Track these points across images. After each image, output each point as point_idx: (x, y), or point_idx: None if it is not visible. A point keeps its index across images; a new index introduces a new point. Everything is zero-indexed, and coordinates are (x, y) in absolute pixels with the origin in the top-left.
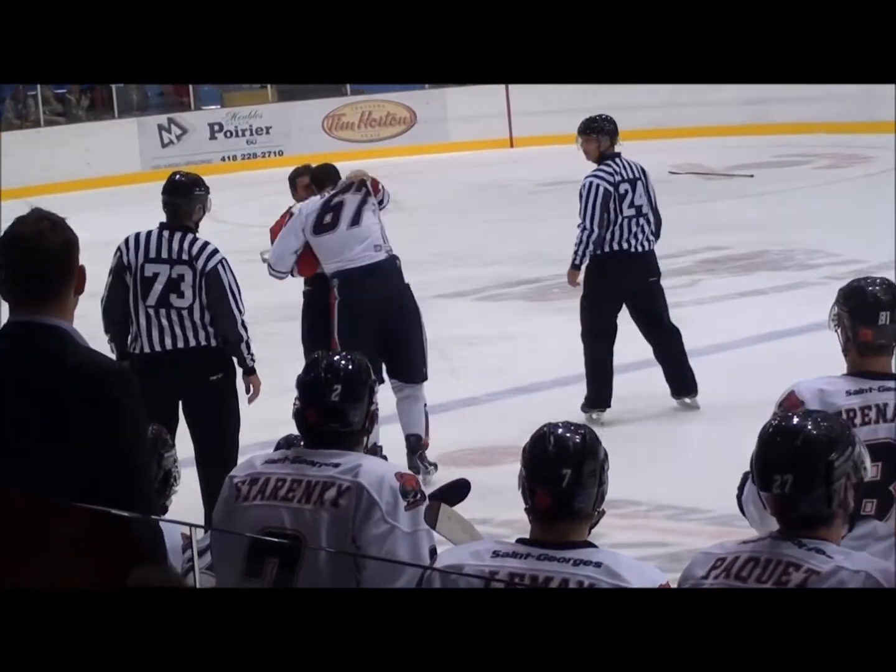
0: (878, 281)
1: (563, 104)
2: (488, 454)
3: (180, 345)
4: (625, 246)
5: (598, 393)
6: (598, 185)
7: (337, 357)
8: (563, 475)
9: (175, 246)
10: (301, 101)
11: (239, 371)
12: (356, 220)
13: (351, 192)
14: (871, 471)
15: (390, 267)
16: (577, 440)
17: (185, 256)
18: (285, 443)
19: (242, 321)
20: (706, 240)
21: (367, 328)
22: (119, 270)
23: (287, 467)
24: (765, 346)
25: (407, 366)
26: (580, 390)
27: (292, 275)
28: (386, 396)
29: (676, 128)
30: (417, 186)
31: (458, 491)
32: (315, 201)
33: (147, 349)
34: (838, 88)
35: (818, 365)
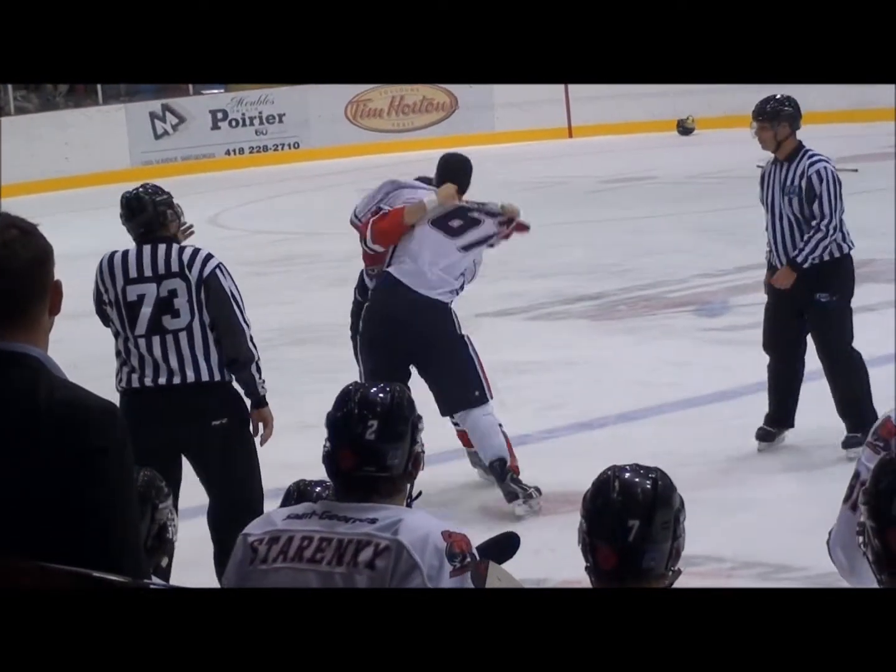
0: None
1: (631, 88)
2: (543, 502)
3: (176, 380)
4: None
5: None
6: (835, 172)
7: (374, 389)
8: (629, 528)
9: (161, 259)
10: (319, 85)
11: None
12: (468, 248)
13: (494, 222)
14: None
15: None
16: (648, 486)
17: (174, 268)
18: (296, 491)
19: (251, 336)
20: None
21: (384, 344)
22: (97, 298)
23: (314, 524)
24: (872, 372)
25: (448, 396)
26: (651, 427)
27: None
28: None
29: None
30: None
31: (506, 546)
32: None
33: (137, 384)
34: None
35: None
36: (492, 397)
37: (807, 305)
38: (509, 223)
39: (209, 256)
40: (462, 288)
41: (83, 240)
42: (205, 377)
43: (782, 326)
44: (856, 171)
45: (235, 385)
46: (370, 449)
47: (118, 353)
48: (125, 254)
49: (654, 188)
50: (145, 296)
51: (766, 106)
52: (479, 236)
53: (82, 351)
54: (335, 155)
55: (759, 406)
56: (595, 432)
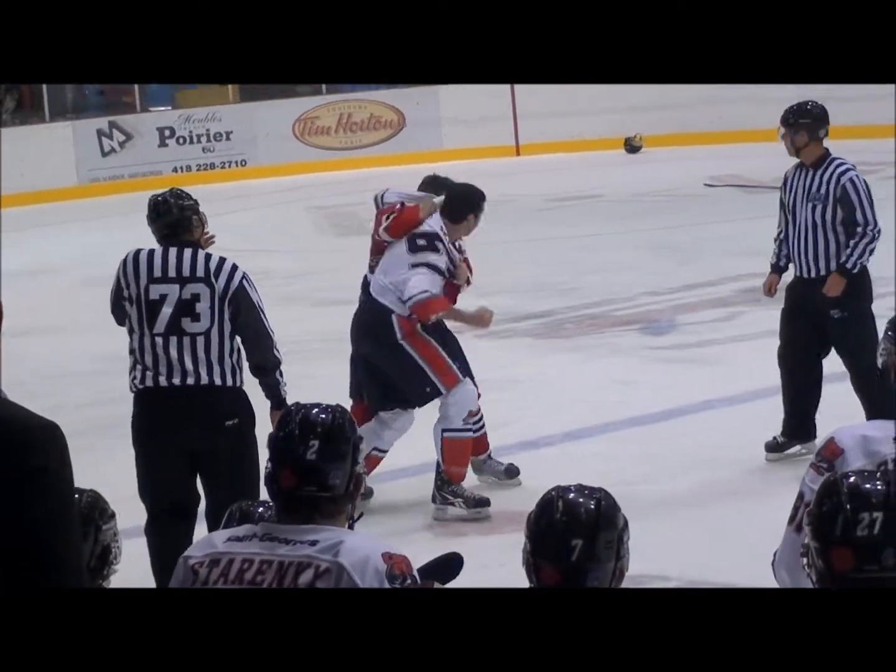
0: None
1: (579, 105)
2: (487, 522)
3: (190, 381)
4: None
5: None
6: (865, 179)
7: (315, 409)
8: (573, 548)
9: (186, 262)
10: (267, 102)
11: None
12: (415, 266)
13: (445, 265)
14: None
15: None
16: (591, 506)
17: (200, 273)
18: (238, 512)
19: (275, 342)
20: (748, 265)
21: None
22: (117, 293)
23: (255, 546)
24: (827, 388)
25: (394, 392)
26: (599, 445)
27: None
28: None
29: (713, 132)
30: None
31: (450, 567)
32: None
33: (150, 383)
34: None
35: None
36: (453, 384)
37: (825, 320)
38: (454, 278)
39: (235, 267)
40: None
41: (29, 256)
42: (217, 381)
43: (795, 332)
44: None
45: (244, 389)
46: (311, 469)
47: (132, 352)
48: (151, 252)
49: (602, 206)
50: (167, 296)
51: (788, 113)
52: (429, 260)
53: (30, 368)
54: (283, 172)
55: (706, 424)
56: (541, 451)
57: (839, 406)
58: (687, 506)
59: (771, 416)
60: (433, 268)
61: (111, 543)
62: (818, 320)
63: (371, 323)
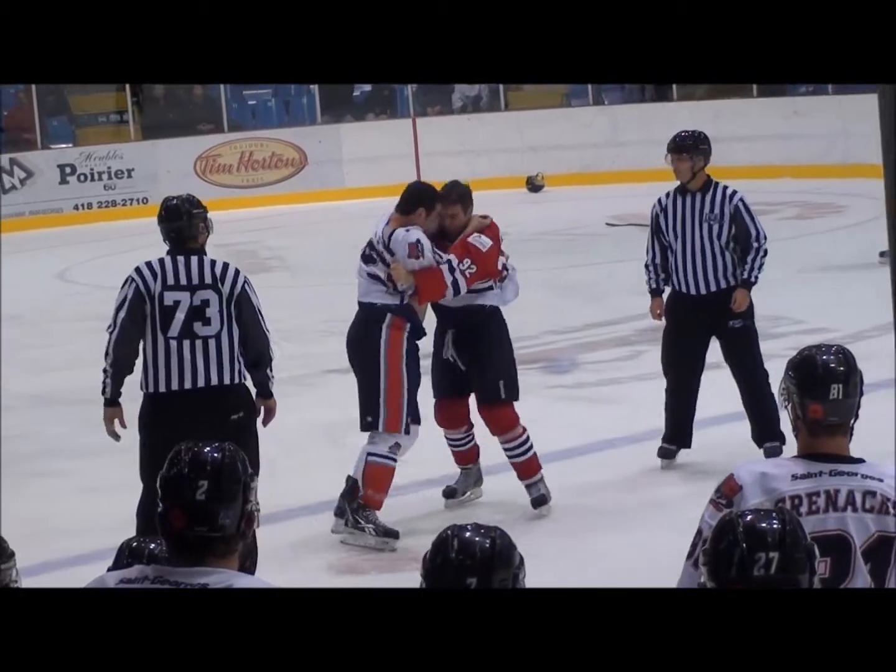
0: (832, 349)
1: (479, 143)
2: (390, 559)
3: (201, 383)
4: None
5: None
6: None
7: (206, 448)
8: (467, 586)
9: (194, 270)
10: (168, 140)
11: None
12: (360, 274)
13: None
14: (818, 568)
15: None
16: (486, 545)
17: (208, 280)
18: (128, 549)
19: (270, 342)
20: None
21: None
22: (136, 301)
23: (145, 588)
24: (718, 430)
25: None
26: (502, 483)
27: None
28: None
29: (614, 171)
30: (307, 241)
31: None
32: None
33: (163, 388)
34: (806, 125)
35: (787, 451)
36: (392, 430)
37: (719, 331)
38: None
39: (238, 272)
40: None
41: None
42: (227, 381)
43: (683, 349)
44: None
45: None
46: (201, 509)
47: (146, 356)
48: (161, 262)
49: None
50: (180, 303)
51: (686, 139)
52: (374, 272)
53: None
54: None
55: (611, 462)
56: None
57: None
58: (589, 543)
59: (683, 454)
60: (372, 277)
61: (10, 583)
62: (702, 338)
63: (361, 331)
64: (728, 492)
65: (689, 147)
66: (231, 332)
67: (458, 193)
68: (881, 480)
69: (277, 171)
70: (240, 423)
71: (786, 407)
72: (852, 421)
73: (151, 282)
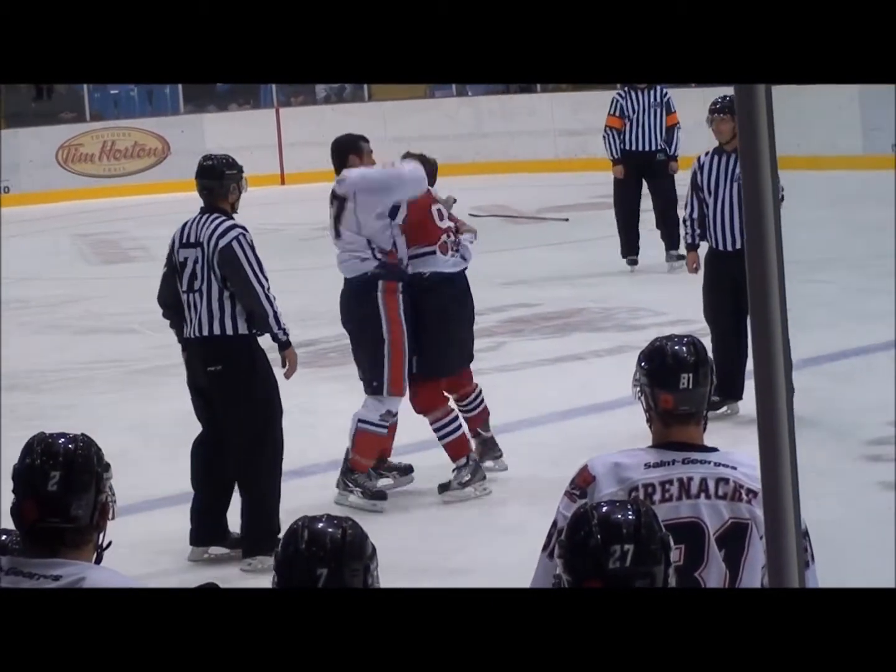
0: (682, 340)
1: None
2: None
3: (188, 334)
4: None
5: None
6: None
7: (60, 439)
8: (318, 576)
9: (202, 228)
10: (30, 129)
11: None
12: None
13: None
14: (673, 555)
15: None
16: (337, 535)
17: (202, 238)
18: None
19: (266, 294)
20: (513, 295)
21: None
22: (169, 255)
23: None
24: (583, 420)
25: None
26: None
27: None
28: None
29: (479, 162)
30: (170, 231)
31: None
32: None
33: (185, 335)
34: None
35: (645, 441)
36: (396, 394)
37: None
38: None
39: (229, 229)
40: (379, 252)
41: None
42: (205, 332)
43: (721, 302)
44: (566, 220)
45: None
46: (53, 500)
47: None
48: (187, 222)
49: None
50: (188, 259)
51: (731, 102)
52: (350, 240)
53: None
54: (46, 200)
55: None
56: (304, 480)
57: None
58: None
59: (537, 447)
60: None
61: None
62: (738, 291)
63: (354, 303)
64: (582, 483)
65: (733, 109)
66: (210, 286)
67: (427, 172)
68: (734, 468)
69: (140, 161)
70: (218, 374)
71: (639, 398)
72: (705, 410)
73: (176, 239)
